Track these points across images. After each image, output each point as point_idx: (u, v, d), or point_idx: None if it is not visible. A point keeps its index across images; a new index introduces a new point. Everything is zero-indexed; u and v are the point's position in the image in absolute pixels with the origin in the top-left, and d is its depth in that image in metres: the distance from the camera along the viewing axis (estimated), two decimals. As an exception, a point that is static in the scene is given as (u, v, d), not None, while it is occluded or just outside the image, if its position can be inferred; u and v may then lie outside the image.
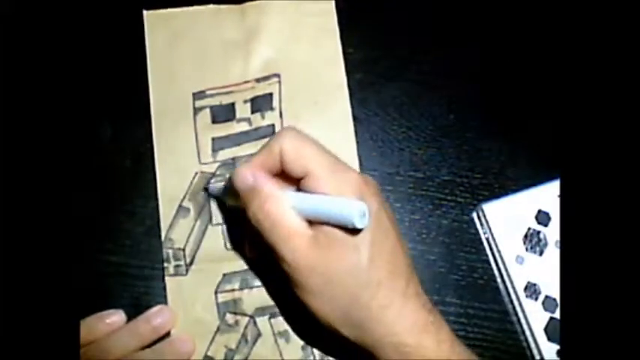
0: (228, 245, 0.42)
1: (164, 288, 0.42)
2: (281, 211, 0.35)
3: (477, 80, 0.46)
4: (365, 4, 0.47)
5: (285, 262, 0.34)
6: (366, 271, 0.33)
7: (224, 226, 0.43)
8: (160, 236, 0.42)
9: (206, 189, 0.43)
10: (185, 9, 0.46)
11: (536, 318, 0.41)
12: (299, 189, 0.35)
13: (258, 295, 0.42)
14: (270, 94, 0.45)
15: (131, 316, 0.41)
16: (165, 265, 0.42)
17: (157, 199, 0.43)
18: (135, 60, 0.45)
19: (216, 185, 0.42)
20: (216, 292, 0.42)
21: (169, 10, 0.46)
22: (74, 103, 0.43)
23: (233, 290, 0.42)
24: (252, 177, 0.36)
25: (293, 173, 0.35)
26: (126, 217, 0.43)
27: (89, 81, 0.45)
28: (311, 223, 0.35)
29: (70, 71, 0.41)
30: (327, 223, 0.33)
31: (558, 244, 0.42)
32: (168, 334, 0.41)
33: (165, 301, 0.41)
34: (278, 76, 0.45)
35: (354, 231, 0.33)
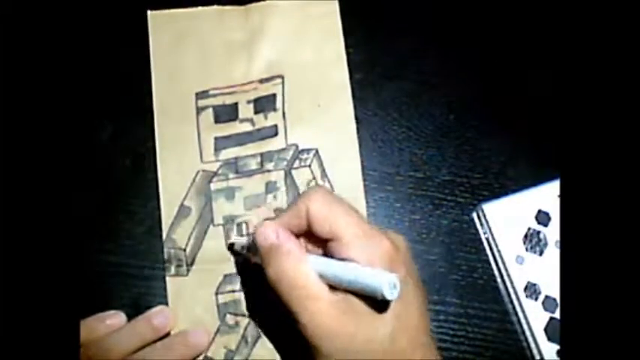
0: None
1: (164, 288, 0.42)
2: (302, 273, 0.33)
3: (477, 80, 0.46)
4: (365, 4, 0.47)
5: (303, 325, 0.33)
6: (385, 345, 0.32)
7: (226, 227, 0.43)
8: (160, 236, 0.42)
9: (232, 245, 0.42)
10: (189, 9, 0.46)
11: (536, 318, 0.41)
12: (324, 251, 0.34)
13: (258, 296, 0.42)
14: (274, 95, 0.44)
15: (131, 316, 0.41)
16: (167, 265, 0.42)
17: (157, 199, 0.43)
18: (136, 60, 0.45)
19: (242, 241, 0.41)
20: (216, 293, 0.42)
21: (173, 10, 0.46)
22: (75, 103, 0.43)
23: (233, 291, 0.42)
24: (275, 234, 0.35)
25: (320, 236, 0.34)
26: (126, 217, 0.43)
27: (90, 80, 0.45)
28: (332, 288, 0.33)
29: (71, 71, 0.41)
30: (353, 292, 0.32)
31: (558, 244, 0.42)
32: (168, 335, 0.41)
33: (165, 302, 0.41)
34: (281, 77, 0.45)
35: (379, 302, 0.32)
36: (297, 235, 0.35)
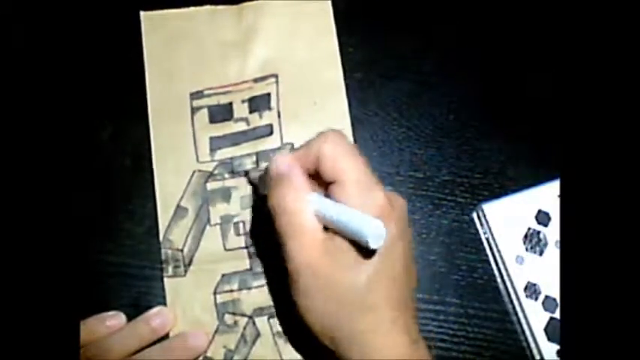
0: (227, 246, 0.42)
1: (164, 288, 0.42)
2: (301, 207, 0.34)
3: (477, 80, 0.46)
4: (365, 4, 0.47)
5: (289, 258, 0.34)
6: (362, 293, 0.33)
7: (222, 227, 0.43)
8: (159, 236, 0.42)
9: (246, 172, 0.43)
10: (182, 10, 0.46)
11: (536, 318, 0.41)
12: (327, 194, 0.35)
13: (256, 296, 0.42)
14: (268, 94, 0.45)
15: (131, 316, 0.41)
16: (164, 266, 0.42)
17: (156, 199, 0.43)
18: (134, 60, 0.45)
19: (257, 173, 0.42)
20: (214, 293, 0.42)
21: (166, 11, 0.46)
22: (74, 104, 0.43)
23: (232, 291, 0.42)
24: (287, 165, 0.36)
25: (325, 176, 0.35)
26: (126, 217, 0.43)
27: (89, 82, 0.45)
28: (326, 230, 0.34)
29: (69, 72, 0.41)
30: (342, 235, 0.33)
31: (558, 244, 0.42)
32: (167, 336, 0.41)
33: (165, 302, 0.41)
34: (275, 76, 0.45)
35: (364, 249, 0.32)
36: (307, 175, 0.36)
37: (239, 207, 0.43)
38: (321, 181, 0.35)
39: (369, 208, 0.33)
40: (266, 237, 0.38)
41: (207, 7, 0.46)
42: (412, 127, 0.45)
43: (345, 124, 0.44)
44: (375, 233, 0.31)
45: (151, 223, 0.43)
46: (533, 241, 0.42)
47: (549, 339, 0.40)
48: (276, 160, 0.36)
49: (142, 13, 0.46)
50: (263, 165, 0.43)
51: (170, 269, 0.42)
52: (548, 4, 0.46)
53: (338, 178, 0.34)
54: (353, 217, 0.33)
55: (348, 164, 0.34)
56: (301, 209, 0.34)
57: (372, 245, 0.32)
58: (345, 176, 0.34)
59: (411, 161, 0.44)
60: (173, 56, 0.45)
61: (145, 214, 0.43)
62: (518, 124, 0.45)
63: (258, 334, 0.41)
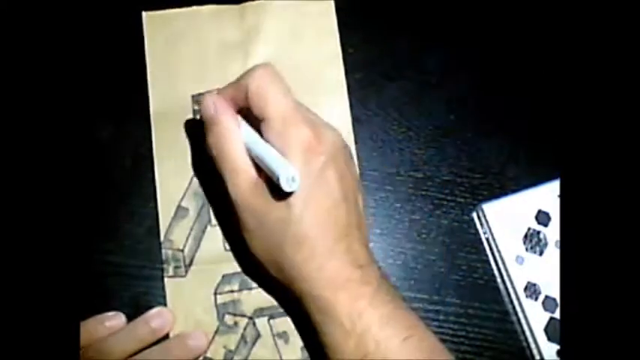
0: (227, 246, 0.42)
1: (164, 288, 0.42)
2: (231, 147, 0.35)
3: (477, 80, 0.46)
4: (365, 3, 0.46)
5: (230, 197, 0.36)
6: (294, 226, 0.34)
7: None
8: (160, 236, 0.42)
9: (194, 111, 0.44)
10: (184, 10, 0.46)
11: (536, 318, 0.41)
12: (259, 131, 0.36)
13: (257, 296, 0.42)
14: None
15: (131, 316, 0.41)
16: (165, 266, 0.42)
17: (156, 200, 0.43)
18: (135, 60, 0.45)
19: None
20: (215, 293, 0.42)
21: (168, 10, 0.46)
22: (74, 104, 0.43)
23: (232, 291, 0.42)
24: (214, 107, 0.36)
25: (253, 111, 0.36)
26: (126, 217, 0.43)
27: (89, 81, 0.45)
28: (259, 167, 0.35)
29: (69, 72, 0.41)
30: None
31: (558, 244, 0.42)
32: (167, 336, 0.41)
33: (165, 302, 0.41)
34: None
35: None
36: (241, 110, 0.37)
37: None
38: (253, 114, 0.36)
39: (293, 143, 0.34)
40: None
41: (210, 7, 0.46)
42: (412, 127, 0.45)
43: (346, 125, 0.44)
44: (286, 177, 0.32)
45: (152, 223, 0.43)
46: (533, 241, 0.42)
47: (549, 339, 0.40)
48: (203, 102, 0.37)
49: (144, 13, 0.46)
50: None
51: (171, 269, 0.42)
52: (548, 3, 0.46)
53: (264, 115, 0.35)
54: (270, 157, 0.34)
55: (273, 99, 0.35)
56: (232, 149, 0.36)
57: (286, 188, 0.33)
58: (270, 111, 0.35)
59: (411, 161, 0.44)
60: (175, 56, 0.45)
61: (146, 214, 0.43)
62: (518, 124, 0.45)
63: (258, 335, 0.41)
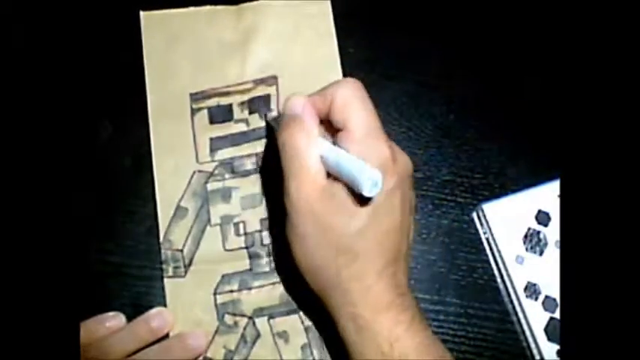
0: (227, 246, 0.42)
1: (164, 289, 0.42)
2: (307, 147, 0.35)
3: (477, 80, 0.46)
4: (365, 4, 0.46)
5: (289, 195, 0.35)
6: (353, 240, 0.34)
7: (223, 227, 0.43)
8: (159, 237, 0.42)
9: (266, 115, 0.44)
10: (181, 10, 0.46)
11: (536, 318, 0.41)
12: (335, 142, 0.36)
13: (256, 296, 0.42)
14: (268, 96, 0.44)
15: (131, 316, 0.41)
16: (164, 266, 0.42)
17: (156, 200, 0.43)
18: (133, 60, 0.45)
19: (274, 114, 0.43)
20: (214, 294, 0.42)
21: (166, 11, 0.46)
22: (74, 104, 0.43)
23: (232, 291, 0.42)
24: (301, 107, 0.36)
25: (334, 122, 0.36)
26: (126, 217, 0.43)
27: (89, 81, 0.45)
28: (330, 176, 0.35)
29: (69, 72, 0.41)
30: (342, 182, 0.34)
31: (558, 244, 0.42)
32: (167, 336, 0.41)
33: (165, 302, 0.41)
34: (275, 77, 0.45)
35: (361, 197, 0.33)
36: (319, 120, 0.37)
37: (239, 207, 0.43)
38: (332, 128, 0.36)
39: (371, 157, 0.34)
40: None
41: (207, 8, 0.46)
42: (412, 127, 0.45)
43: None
44: (371, 181, 0.32)
45: (151, 223, 0.43)
46: (533, 241, 0.42)
47: (549, 339, 0.40)
48: (291, 100, 0.37)
49: (141, 12, 0.46)
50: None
51: (170, 270, 0.42)
52: (547, 4, 0.46)
53: (346, 125, 0.35)
54: (352, 163, 0.33)
55: (358, 112, 0.35)
56: (307, 149, 0.35)
57: (366, 192, 0.32)
58: (353, 124, 0.35)
59: (411, 161, 0.44)
60: (173, 56, 0.45)
61: (145, 214, 0.43)
62: (517, 125, 0.45)
63: (258, 335, 0.41)
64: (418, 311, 0.35)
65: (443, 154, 0.44)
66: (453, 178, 0.44)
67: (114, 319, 0.40)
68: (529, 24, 0.46)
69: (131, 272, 0.42)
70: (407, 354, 0.33)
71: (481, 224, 0.43)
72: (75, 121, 0.43)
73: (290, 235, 0.36)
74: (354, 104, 0.35)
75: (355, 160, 0.33)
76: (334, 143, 0.36)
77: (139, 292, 0.42)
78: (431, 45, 0.46)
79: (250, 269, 0.42)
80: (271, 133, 0.43)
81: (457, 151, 0.44)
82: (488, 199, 0.43)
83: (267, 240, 0.43)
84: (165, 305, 0.41)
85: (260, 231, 0.43)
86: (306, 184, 0.35)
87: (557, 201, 0.42)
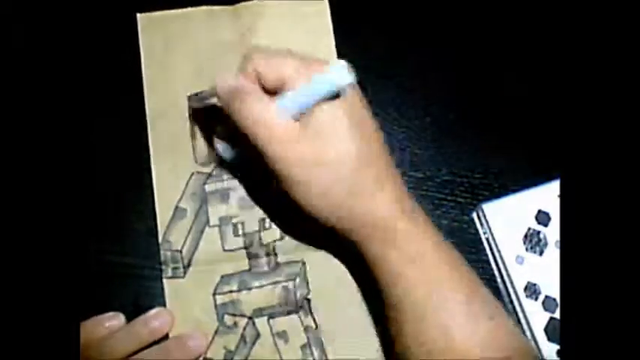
0: (226, 246, 0.42)
1: (163, 289, 0.42)
2: (264, 107, 0.34)
3: (477, 80, 0.46)
4: (362, 4, 0.46)
5: (271, 158, 0.34)
6: (356, 157, 0.34)
7: (221, 228, 0.43)
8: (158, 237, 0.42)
9: (189, 98, 0.44)
10: (178, 11, 0.46)
11: (536, 318, 0.41)
12: None
13: (256, 296, 0.42)
14: None
15: (131, 316, 0.41)
16: (163, 267, 0.42)
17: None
18: (131, 61, 0.45)
19: (202, 95, 0.43)
20: (214, 294, 0.42)
21: (162, 12, 0.46)
22: (71, 104, 0.43)
23: (231, 292, 0.42)
24: (235, 79, 0.35)
25: (270, 84, 0.35)
26: (125, 217, 0.43)
27: (86, 82, 0.44)
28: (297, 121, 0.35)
29: (65, 73, 0.41)
30: (314, 112, 0.34)
31: (558, 244, 0.42)
32: (166, 337, 0.41)
33: (164, 302, 0.41)
34: None
35: (337, 119, 0.34)
36: None
37: (238, 208, 0.43)
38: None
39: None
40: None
41: (204, 8, 0.46)
42: (412, 127, 0.45)
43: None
44: (340, 68, 0.33)
45: (151, 223, 0.43)
46: (533, 241, 0.42)
47: (549, 339, 0.40)
48: (222, 77, 0.36)
49: (138, 14, 0.45)
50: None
51: (169, 270, 0.42)
52: (553, 2, 0.46)
53: (282, 77, 0.35)
54: (314, 81, 0.34)
55: (283, 60, 0.35)
56: (265, 109, 0.34)
57: (348, 79, 0.33)
58: (287, 70, 0.35)
59: (411, 161, 0.44)
60: (170, 57, 0.45)
61: (145, 214, 0.43)
62: (518, 125, 0.45)
63: (257, 335, 0.41)
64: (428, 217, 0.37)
65: (443, 154, 0.44)
66: (453, 178, 0.44)
67: (113, 320, 0.40)
68: (529, 24, 0.46)
69: (131, 272, 0.42)
70: (424, 254, 0.35)
71: (481, 224, 0.43)
72: (73, 121, 0.43)
73: (290, 189, 0.35)
74: (277, 59, 0.35)
75: (314, 77, 0.34)
76: None
77: (138, 292, 0.42)
78: (431, 45, 0.46)
79: (249, 269, 0.42)
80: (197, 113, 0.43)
81: (457, 151, 0.44)
82: (488, 199, 0.43)
83: (265, 240, 0.43)
84: (164, 306, 0.41)
85: (258, 231, 0.43)
86: (283, 136, 0.34)
87: (557, 201, 0.42)
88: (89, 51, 0.45)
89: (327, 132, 0.34)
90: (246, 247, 0.42)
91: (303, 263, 0.42)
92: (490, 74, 0.46)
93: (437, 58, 0.46)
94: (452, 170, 0.44)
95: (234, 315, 0.41)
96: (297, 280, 0.42)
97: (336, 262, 0.42)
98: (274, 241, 0.43)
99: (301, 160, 0.34)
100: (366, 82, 0.45)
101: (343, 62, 0.33)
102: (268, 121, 0.34)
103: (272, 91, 0.35)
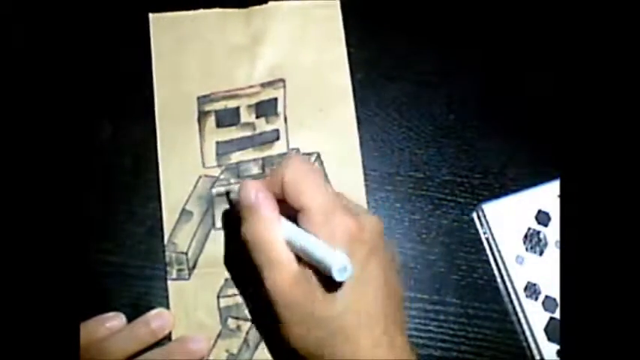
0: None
1: (165, 289, 0.41)
2: (272, 238, 0.34)
3: (477, 80, 0.46)
4: (365, 4, 0.46)
5: (267, 289, 0.34)
6: (339, 319, 0.33)
7: (227, 231, 0.42)
8: (160, 237, 0.42)
9: (228, 192, 0.42)
10: (190, 12, 0.46)
11: (536, 318, 0.41)
12: (297, 222, 0.35)
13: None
14: (275, 99, 0.44)
15: (131, 316, 0.41)
16: (168, 269, 0.42)
17: (157, 200, 0.43)
18: (137, 60, 0.45)
19: (220, 189, 0.43)
20: (218, 297, 0.41)
21: (175, 13, 0.46)
22: (76, 103, 0.43)
23: (235, 295, 0.42)
24: (255, 195, 0.35)
25: (289, 202, 0.35)
26: (126, 217, 0.43)
27: (91, 81, 0.44)
28: (300, 258, 0.34)
29: (72, 71, 0.41)
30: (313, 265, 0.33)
31: (558, 244, 0.42)
32: (169, 338, 0.41)
33: (165, 302, 0.41)
34: (283, 81, 0.45)
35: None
36: (278, 201, 0.36)
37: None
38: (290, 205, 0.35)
39: (336, 234, 0.33)
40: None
41: (216, 10, 0.46)
42: (412, 127, 0.45)
43: (352, 130, 0.44)
44: (339, 267, 0.31)
45: (152, 223, 0.43)
46: (533, 241, 0.42)
47: (549, 339, 0.40)
48: (244, 187, 0.36)
49: (150, 15, 0.45)
50: (267, 171, 0.43)
51: (174, 272, 0.42)
52: (548, 3, 0.46)
53: (302, 206, 0.34)
54: (317, 248, 0.33)
55: (310, 191, 0.34)
56: (272, 241, 0.34)
57: (338, 278, 0.31)
58: (307, 203, 0.34)
59: (411, 161, 0.44)
60: (181, 58, 0.45)
61: (146, 214, 0.43)
62: (518, 124, 0.45)
63: (261, 339, 0.41)
64: None
65: (443, 154, 0.44)
66: (453, 178, 0.44)
67: (114, 320, 0.40)
68: (529, 24, 0.47)
69: (131, 272, 0.42)
70: None
71: (481, 224, 0.43)
72: (76, 121, 0.43)
73: (279, 325, 0.35)
74: (305, 183, 0.34)
75: (320, 245, 0.33)
76: (297, 224, 0.35)
77: (139, 293, 0.42)
78: (431, 45, 0.46)
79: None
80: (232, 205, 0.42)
81: (457, 151, 0.44)
82: (488, 199, 0.43)
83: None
84: (167, 306, 0.41)
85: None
86: (279, 276, 0.34)
87: (557, 201, 0.42)
88: (101, 50, 0.45)
89: (319, 287, 0.33)
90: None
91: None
92: (490, 75, 0.46)
93: (437, 58, 0.46)
94: (452, 170, 0.44)
95: (237, 318, 0.41)
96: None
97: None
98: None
99: (293, 305, 0.34)
100: (367, 82, 0.45)
101: (345, 262, 0.32)
102: (273, 258, 0.34)
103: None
